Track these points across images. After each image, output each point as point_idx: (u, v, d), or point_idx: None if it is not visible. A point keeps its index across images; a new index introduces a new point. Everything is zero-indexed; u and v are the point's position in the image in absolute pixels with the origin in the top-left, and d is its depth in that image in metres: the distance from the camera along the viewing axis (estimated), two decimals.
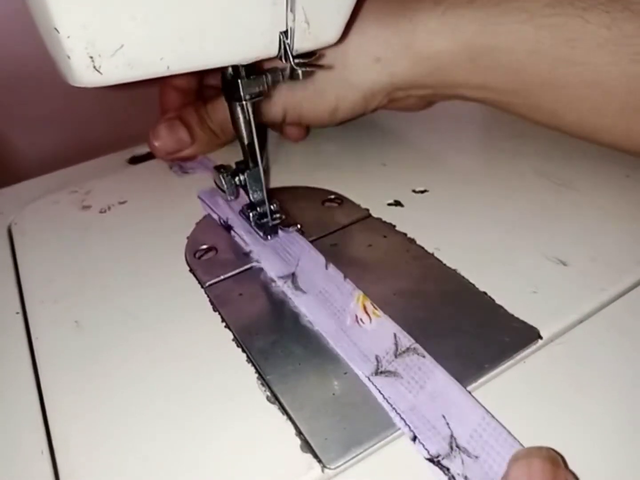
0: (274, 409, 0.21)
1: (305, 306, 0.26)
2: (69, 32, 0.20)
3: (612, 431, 0.20)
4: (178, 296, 0.28)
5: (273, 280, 0.28)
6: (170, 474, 0.20)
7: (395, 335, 0.23)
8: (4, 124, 0.45)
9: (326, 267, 0.27)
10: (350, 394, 0.21)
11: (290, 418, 0.21)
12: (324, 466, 0.19)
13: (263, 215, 0.31)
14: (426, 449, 0.19)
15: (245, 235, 0.30)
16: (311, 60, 0.26)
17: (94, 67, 0.21)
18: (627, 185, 0.32)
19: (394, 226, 0.31)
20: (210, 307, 0.27)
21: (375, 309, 0.24)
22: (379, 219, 0.32)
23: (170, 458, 0.20)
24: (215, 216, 0.33)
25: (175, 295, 0.28)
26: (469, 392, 0.21)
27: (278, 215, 0.31)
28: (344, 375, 0.22)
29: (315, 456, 0.19)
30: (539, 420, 0.20)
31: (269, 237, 0.30)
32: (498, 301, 0.25)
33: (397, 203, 0.33)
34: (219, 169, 0.31)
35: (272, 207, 0.30)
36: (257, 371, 0.23)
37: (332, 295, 0.26)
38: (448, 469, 0.18)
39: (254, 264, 0.29)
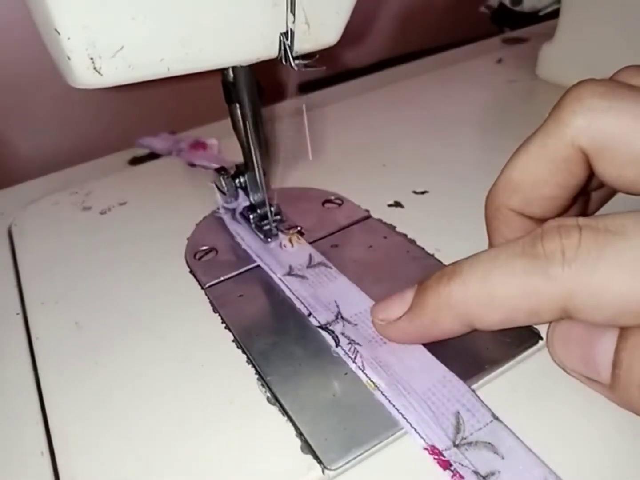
0: (274, 410, 0.21)
1: (240, 232, 0.30)
2: (70, 33, 0.20)
3: (613, 431, 0.20)
4: (178, 297, 0.28)
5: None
6: (169, 475, 0.20)
7: (310, 255, 0.27)
8: (4, 124, 0.45)
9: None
10: (350, 395, 0.21)
11: (290, 419, 0.21)
12: (324, 467, 0.19)
13: (263, 217, 0.31)
14: (318, 320, 0.24)
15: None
16: (311, 61, 0.26)
17: (95, 68, 0.21)
18: None
19: (395, 227, 0.31)
20: (210, 308, 0.27)
21: (299, 239, 0.28)
22: (380, 220, 0.32)
23: (169, 459, 0.20)
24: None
25: (175, 296, 0.28)
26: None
27: (278, 217, 0.31)
28: (344, 377, 0.22)
29: (316, 457, 0.19)
30: (540, 420, 0.20)
31: (269, 239, 0.30)
32: None
33: (398, 204, 0.33)
34: (219, 171, 0.31)
35: (272, 208, 0.30)
36: (258, 372, 0.23)
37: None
38: (333, 331, 0.23)
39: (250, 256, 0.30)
